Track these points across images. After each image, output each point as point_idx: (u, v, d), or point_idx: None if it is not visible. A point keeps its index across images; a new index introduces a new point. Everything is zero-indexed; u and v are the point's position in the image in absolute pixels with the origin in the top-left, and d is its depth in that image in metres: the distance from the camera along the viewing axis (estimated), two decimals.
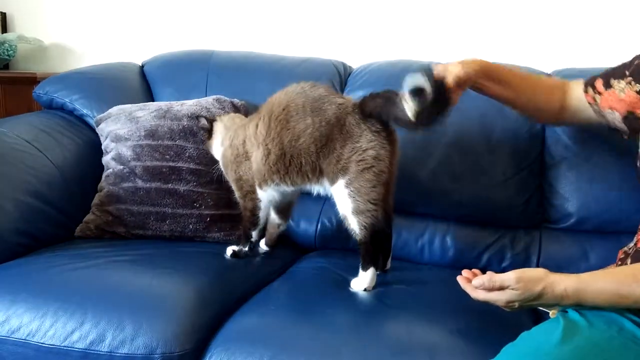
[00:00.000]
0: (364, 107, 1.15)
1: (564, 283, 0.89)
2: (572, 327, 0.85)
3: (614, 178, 1.36)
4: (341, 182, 1.16)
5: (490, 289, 0.94)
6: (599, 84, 1.13)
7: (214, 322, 1.09)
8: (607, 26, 1.65)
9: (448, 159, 1.44)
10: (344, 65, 1.72)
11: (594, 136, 1.40)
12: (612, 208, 1.36)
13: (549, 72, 1.55)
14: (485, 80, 1.16)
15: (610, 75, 1.12)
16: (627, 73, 1.07)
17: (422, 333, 1.04)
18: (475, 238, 1.47)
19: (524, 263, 1.43)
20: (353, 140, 1.14)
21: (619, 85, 1.08)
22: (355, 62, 1.74)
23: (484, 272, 1.42)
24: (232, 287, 1.22)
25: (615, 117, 1.11)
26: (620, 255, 1.07)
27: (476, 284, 0.95)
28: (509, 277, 0.91)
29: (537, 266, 1.42)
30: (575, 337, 0.82)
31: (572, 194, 1.40)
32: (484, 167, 1.44)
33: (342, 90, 1.65)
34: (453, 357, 0.97)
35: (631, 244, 1.06)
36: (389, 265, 1.32)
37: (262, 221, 1.36)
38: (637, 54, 1.10)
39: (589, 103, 1.16)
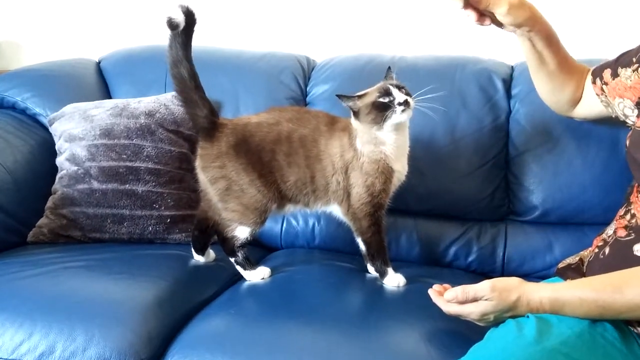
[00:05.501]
0: None
1: (539, 292, 0.87)
2: (543, 325, 0.83)
3: (577, 169, 1.36)
4: None
5: (464, 302, 0.91)
6: (607, 74, 1.09)
7: (173, 329, 1.05)
8: (574, 15, 1.64)
9: (411, 153, 1.41)
10: (308, 59, 1.68)
11: (557, 126, 1.39)
12: (575, 199, 1.36)
13: (511, 65, 1.54)
14: (539, 32, 1.09)
15: (618, 64, 1.08)
16: (634, 60, 1.04)
17: (386, 334, 1.02)
18: (441, 232, 1.46)
19: (490, 256, 1.43)
20: None
21: (625, 73, 1.04)
22: (318, 56, 1.70)
23: (450, 267, 1.45)
24: (192, 291, 1.18)
25: (626, 105, 1.06)
26: (598, 242, 1.05)
27: (449, 297, 0.93)
28: (483, 286, 0.89)
29: (503, 259, 1.43)
30: (545, 336, 0.81)
31: (536, 186, 1.39)
32: (448, 160, 1.42)
33: (306, 85, 1.61)
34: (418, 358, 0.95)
35: (610, 232, 1.03)
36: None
37: None
38: None
39: (597, 95, 1.12)
